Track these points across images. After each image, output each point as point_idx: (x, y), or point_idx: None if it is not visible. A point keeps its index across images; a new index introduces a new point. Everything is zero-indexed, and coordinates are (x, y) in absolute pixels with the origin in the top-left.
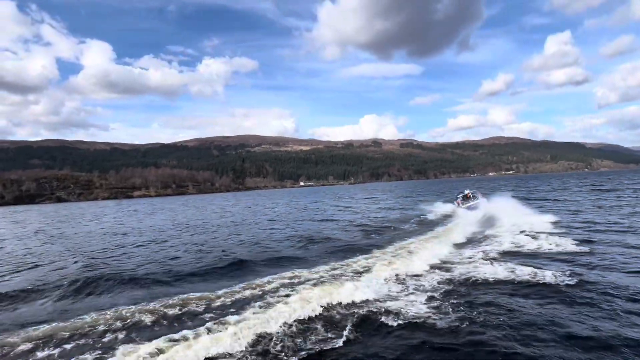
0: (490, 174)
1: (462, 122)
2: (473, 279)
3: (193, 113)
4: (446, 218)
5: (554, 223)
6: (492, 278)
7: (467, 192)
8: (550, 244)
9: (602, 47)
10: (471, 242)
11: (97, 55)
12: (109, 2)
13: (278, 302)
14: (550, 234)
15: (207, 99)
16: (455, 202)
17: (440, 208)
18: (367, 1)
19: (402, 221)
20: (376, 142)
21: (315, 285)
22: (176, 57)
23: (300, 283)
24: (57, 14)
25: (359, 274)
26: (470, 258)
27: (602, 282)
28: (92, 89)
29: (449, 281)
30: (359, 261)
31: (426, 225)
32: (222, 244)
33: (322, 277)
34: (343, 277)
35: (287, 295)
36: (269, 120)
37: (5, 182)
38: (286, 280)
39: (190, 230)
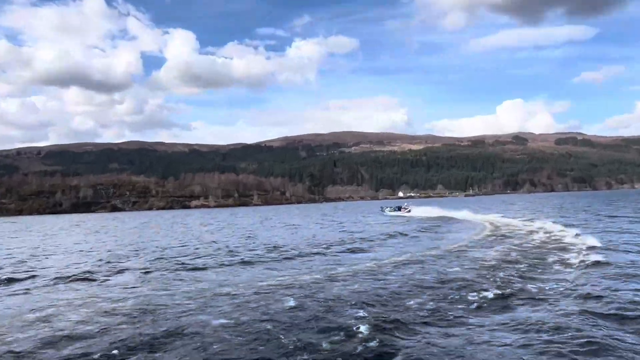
0: None
1: None
2: None
3: (281, 107)
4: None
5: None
6: None
7: (405, 204)
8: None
9: None
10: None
11: (180, 46)
12: None
13: None
14: None
15: (297, 89)
16: (386, 210)
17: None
18: None
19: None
20: (519, 138)
21: None
22: (262, 42)
23: None
24: (142, 5)
25: None
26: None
27: None
28: (174, 83)
29: None
30: None
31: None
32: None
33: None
34: None
35: None
36: (373, 112)
37: (64, 189)
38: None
39: None
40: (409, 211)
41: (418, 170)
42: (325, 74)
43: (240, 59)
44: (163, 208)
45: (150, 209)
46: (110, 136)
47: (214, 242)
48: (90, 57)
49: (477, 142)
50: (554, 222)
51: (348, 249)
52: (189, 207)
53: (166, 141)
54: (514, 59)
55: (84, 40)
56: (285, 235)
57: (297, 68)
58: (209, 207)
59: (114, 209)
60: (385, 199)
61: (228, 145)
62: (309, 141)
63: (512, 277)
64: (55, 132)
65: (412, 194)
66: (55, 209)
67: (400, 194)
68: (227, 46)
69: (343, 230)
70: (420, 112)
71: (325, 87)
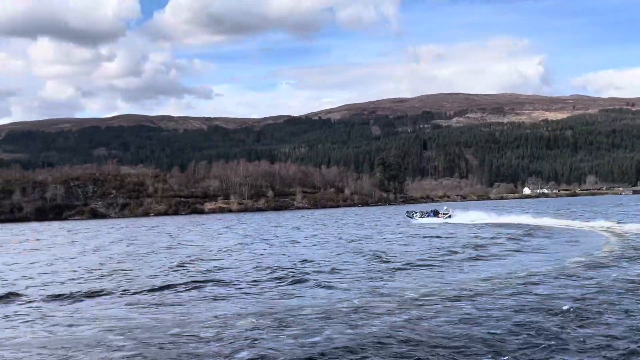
0: None
1: None
2: None
3: (343, 60)
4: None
5: None
6: None
7: (445, 208)
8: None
9: None
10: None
11: None
12: None
13: None
14: None
15: (367, 31)
16: (415, 216)
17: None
18: None
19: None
20: None
21: None
22: None
23: None
24: None
25: None
26: None
27: None
28: (185, 29)
29: None
30: None
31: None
32: None
33: None
34: None
35: None
36: (487, 63)
37: (25, 186)
38: None
39: None
40: (449, 216)
41: (558, 152)
42: (411, 5)
43: None
44: (165, 213)
45: (146, 214)
46: (95, 109)
47: (146, 262)
48: None
49: None
50: None
51: (329, 279)
52: (202, 212)
53: (175, 115)
54: None
55: None
56: (261, 254)
57: None
58: (230, 211)
59: (94, 214)
60: (501, 198)
61: (265, 119)
62: (386, 111)
63: (563, 329)
64: (19, 104)
65: (546, 190)
66: (13, 216)
67: (526, 190)
68: None
69: (349, 250)
70: (565, 61)
71: (413, 27)
